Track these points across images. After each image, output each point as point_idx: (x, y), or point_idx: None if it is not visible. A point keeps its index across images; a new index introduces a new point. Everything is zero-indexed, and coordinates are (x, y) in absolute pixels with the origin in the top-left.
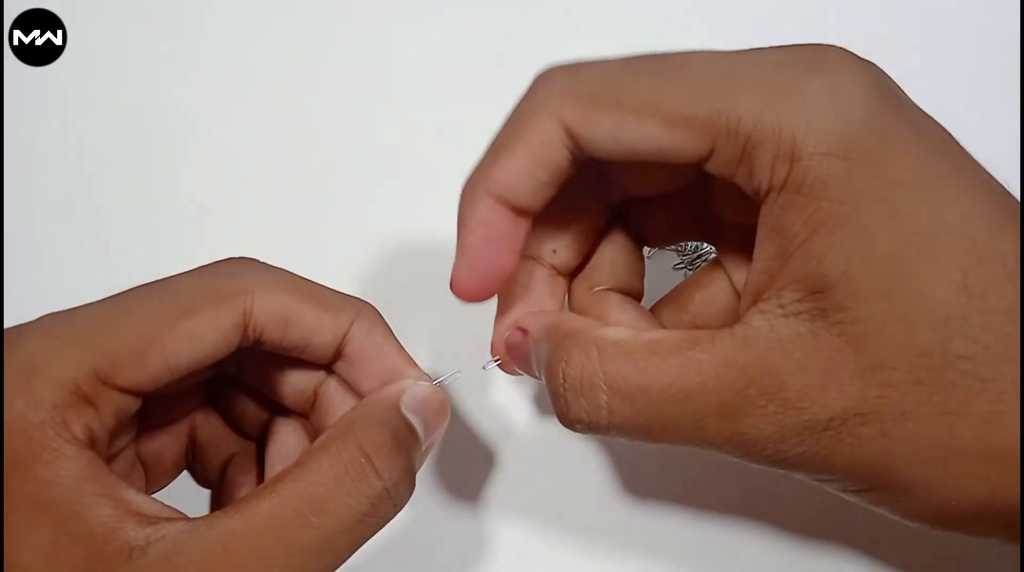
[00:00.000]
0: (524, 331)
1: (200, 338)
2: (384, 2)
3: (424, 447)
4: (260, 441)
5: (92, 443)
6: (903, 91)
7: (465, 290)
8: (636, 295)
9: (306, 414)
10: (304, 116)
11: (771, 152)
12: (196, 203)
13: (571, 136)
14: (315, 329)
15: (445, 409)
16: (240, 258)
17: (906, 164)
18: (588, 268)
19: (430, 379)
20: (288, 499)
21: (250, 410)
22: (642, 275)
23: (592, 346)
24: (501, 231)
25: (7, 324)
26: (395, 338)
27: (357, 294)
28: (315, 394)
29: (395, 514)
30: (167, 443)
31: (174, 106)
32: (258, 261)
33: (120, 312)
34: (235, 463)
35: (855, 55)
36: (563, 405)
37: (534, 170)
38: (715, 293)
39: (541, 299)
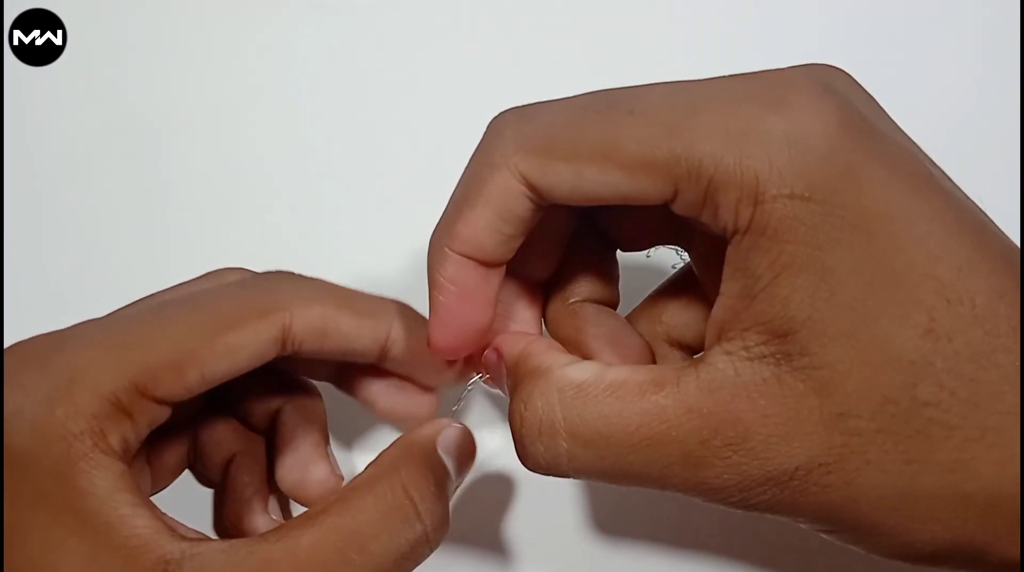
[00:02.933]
0: (500, 354)
1: (238, 353)
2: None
3: (454, 487)
4: (264, 437)
5: (126, 454)
6: (876, 111)
7: (444, 349)
8: (612, 303)
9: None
10: (308, 115)
11: (734, 195)
12: (198, 203)
13: (530, 187)
14: (354, 337)
15: (474, 451)
16: (277, 271)
17: (872, 202)
18: (561, 280)
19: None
20: (331, 533)
21: (255, 401)
22: (616, 281)
23: (553, 390)
24: (472, 287)
25: (7, 324)
26: None
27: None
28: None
29: (428, 556)
30: (172, 444)
31: (174, 106)
32: (294, 273)
33: (160, 324)
34: (238, 462)
35: (819, 79)
36: (521, 449)
37: (498, 224)
38: (688, 303)
39: (519, 312)
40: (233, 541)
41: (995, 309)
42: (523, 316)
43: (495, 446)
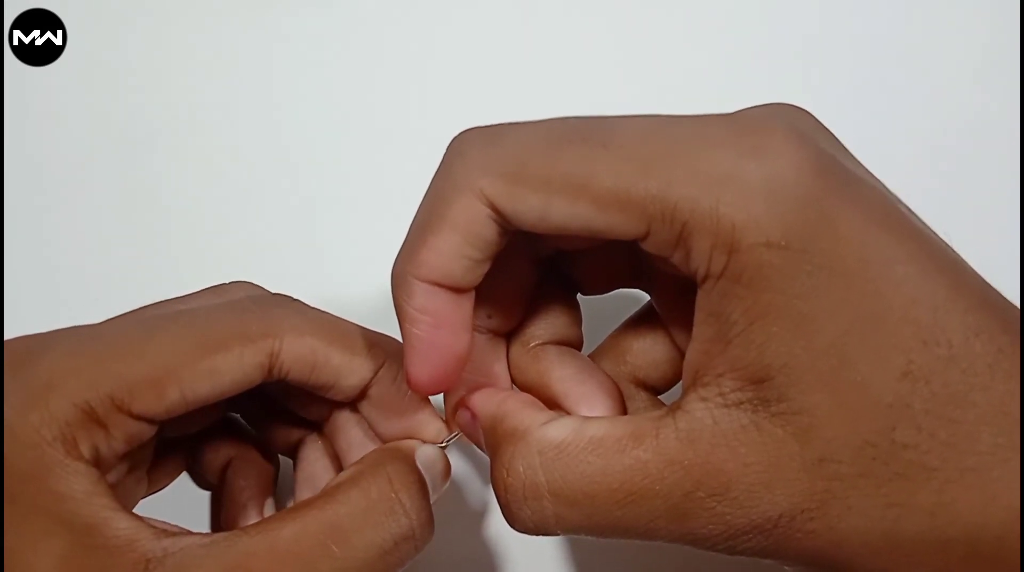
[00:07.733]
0: (474, 413)
1: (221, 375)
2: (394, 8)
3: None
4: (262, 444)
5: (98, 463)
6: (843, 153)
7: (425, 384)
8: (575, 344)
9: (320, 426)
10: (310, 116)
11: (708, 241)
12: (197, 205)
13: (496, 212)
14: (342, 373)
15: (448, 473)
16: (275, 294)
17: (849, 248)
18: (522, 324)
19: (447, 432)
20: (312, 526)
21: (263, 416)
22: (579, 322)
23: (533, 453)
24: (446, 315)
25: (7, 325)
26: None
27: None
28: (330, 411)
29: (413, 557)
30: (170, 446)
31: (174, 107)
32: (291, 298)
33: (145, 338)
34: (235, 466)
35: (791, 123)
36: (509, 514)
37: (465, 250)
38: (652, 342)
39: (486, 366)
40: (214, 535)
41: (971, 348)
42: (492, 370)
43: (476, 484)
